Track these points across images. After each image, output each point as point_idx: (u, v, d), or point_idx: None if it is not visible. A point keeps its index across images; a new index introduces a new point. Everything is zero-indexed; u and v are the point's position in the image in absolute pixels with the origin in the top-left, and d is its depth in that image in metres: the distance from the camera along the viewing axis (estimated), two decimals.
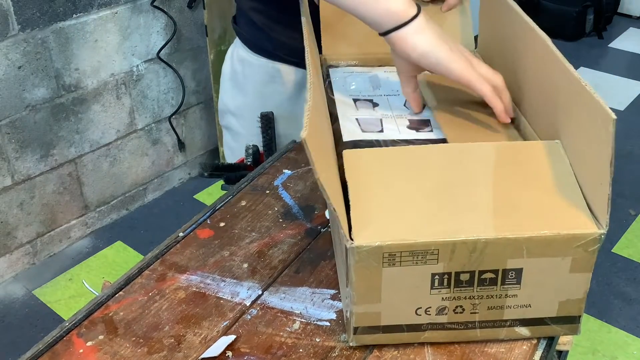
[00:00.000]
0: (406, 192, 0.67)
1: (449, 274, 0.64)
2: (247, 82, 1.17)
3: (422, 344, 0.69)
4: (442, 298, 0.66)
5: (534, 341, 0.70)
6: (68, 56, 2.01)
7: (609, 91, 3.12)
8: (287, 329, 0.72)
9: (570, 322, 0.69)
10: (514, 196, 0.67)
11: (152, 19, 2.21)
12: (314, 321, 0.73)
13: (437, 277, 0.64)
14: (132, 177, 2.39)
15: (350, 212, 0.64)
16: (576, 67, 3.30)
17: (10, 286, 2.10)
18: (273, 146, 1.13)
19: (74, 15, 1.99)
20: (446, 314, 0.67)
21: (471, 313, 0.67)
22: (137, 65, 2.23)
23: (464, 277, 0.64)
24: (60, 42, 1.97)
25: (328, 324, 0.72)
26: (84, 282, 2.07)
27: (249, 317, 0.74)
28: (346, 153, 0.71)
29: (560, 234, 0.62)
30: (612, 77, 3.27)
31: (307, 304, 0.75)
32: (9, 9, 1.82)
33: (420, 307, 0.66)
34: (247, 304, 0.75)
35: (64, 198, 2.18)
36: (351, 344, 0.69)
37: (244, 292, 0.77)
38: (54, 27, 1.95)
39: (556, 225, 0.63)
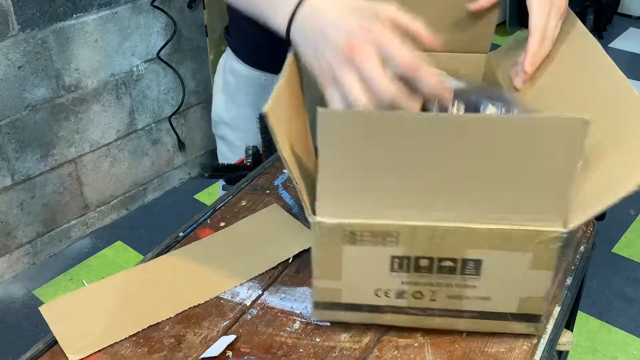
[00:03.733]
0: (379, 165, 0.60)
1: (409, 258, 0.63)
2: (240, 94, 1.16)
3: (423, 343, 0.69)
4: (402, 282, 0.65)
5: (534, 341, 0.70)
6: (68, 56, 2.01)
7: None
8: (288, 328, 0.72)
9: (531, 320, 0.68)
10: (489, 183, 0.60)
11: (152, 19, 2.21)
12: (314, 321, 0.73)
13: (396, 260, 0.64)
14: (132, 177, 2.39)
15: (317, 184, 0.61)
16: None
17: (10, 286, 2.10)
18: (273, 146, 1.13)
19: (74, 15, 1.99)
20: (405, 298, 0.67)
21: (430, 300, 0.67)
22: (137, 65, 2.23)
23: (423, 262, 0.64)
24: (60, 42, 1.97)
25: (328, 323, 0.73)
26: (84, 282, 2.07)
27: (249, 317, 0.74)
28: (323, 114, 0.58)
29: (520, 229, 0.61)
30: None
31: (308, 304, 0.75)
32: (9, 9, 1.82)
33: (380, 289, 0.66)
34: (247, 304, 0.75)
35: (64, 198, 2.18)
36: (312, 319, 0.70)
37: (244, 292, 0.77)
38: (54, 27, 1.95)
39: (519, 219, 0.60)
